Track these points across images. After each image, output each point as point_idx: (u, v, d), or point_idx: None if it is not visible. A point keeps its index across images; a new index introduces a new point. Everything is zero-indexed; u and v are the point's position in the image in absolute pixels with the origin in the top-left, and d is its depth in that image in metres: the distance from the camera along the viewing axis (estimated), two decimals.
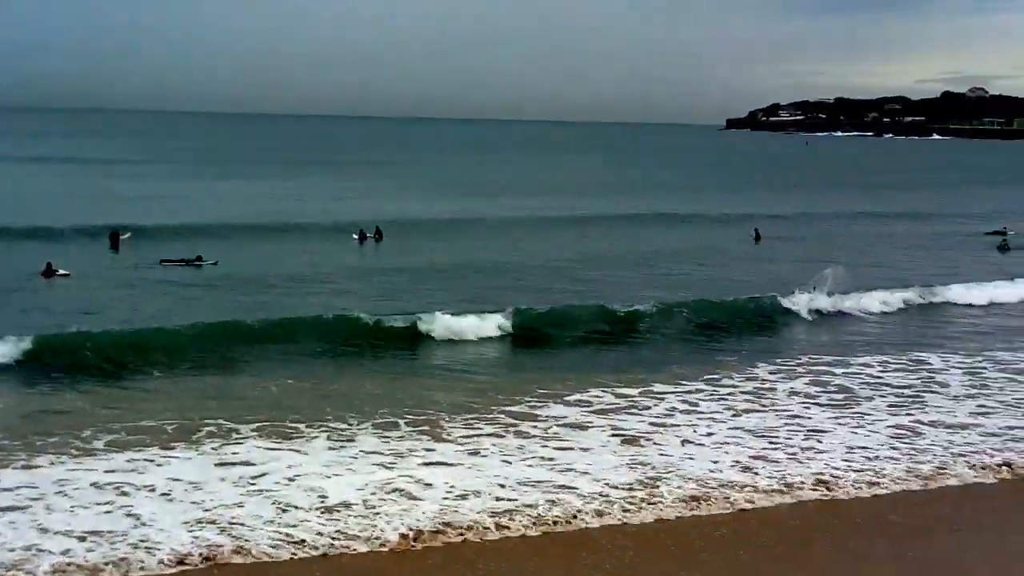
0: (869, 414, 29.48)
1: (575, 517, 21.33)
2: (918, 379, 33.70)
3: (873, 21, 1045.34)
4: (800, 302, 43.65)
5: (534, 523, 20.99)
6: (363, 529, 20.26)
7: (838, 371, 34.50)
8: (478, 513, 21.25)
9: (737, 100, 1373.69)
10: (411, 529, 20.34)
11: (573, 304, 42.21)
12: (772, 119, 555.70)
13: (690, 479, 23.71)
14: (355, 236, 64.57)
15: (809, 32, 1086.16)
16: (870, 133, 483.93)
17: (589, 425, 27.81)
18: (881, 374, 34.26)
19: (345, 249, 60.34)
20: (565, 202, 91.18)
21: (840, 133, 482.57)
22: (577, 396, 30.56)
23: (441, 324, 37.37)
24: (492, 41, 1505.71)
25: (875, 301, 45.49)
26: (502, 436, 26.60)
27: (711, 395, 31.18)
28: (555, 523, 21.02)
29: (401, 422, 27.47)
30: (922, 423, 28.68)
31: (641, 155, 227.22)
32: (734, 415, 29.11)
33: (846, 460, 25.35)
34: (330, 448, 25.25)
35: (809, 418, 28.99)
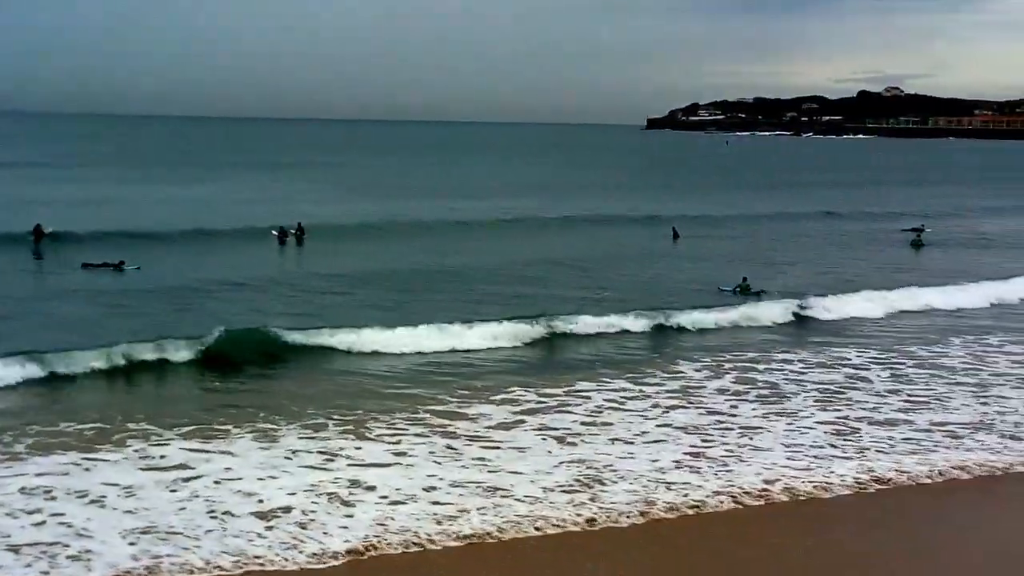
0: (801, 411, 29.78)
1: (518, 523, 21.13)
2: (841, 375, 34.19)
3: (791, 22, 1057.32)
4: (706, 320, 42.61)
5: (476, 532, 20.59)
6: (305, 541, 19.93)
7: (761, 367, 34.94)
8: (419, 520, 20.97)
9: (658, 100, 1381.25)
10: (357, 541, 19.88)
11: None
12: (692, 118, 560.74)
13: (634, 479, 23.74)
14: (274, 233, 64.25)
15: (728, 33, 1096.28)
16: (789, 132, 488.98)
17: (518, 425, 27.81)
18: (804, 371, 34.70)
19: (266, 251, 59.75)
20: (486, 204, 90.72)
21: (765, 132, 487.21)
22: (502, 396, 30.59)
23: (367, 337, 36.22)
24: (414, 41, 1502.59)
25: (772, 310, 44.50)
26: (429, 436, 26.55)
27: (637, 394, 31.27)
28: (500, 530, 20.72)
29: (328, 423, 27.35)
30: (849, 419, 29.07)
31: (563, 155, 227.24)
32: (664, 412, 29.26)
33: (789, 458, 25.54)
34: (260, 449, 25.08)
35: (740, 415, 29.19)
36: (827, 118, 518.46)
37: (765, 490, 23.27)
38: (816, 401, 30.90)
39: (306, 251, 61.39)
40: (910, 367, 35.59)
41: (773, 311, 43.80)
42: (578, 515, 21.54)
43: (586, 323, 39.92)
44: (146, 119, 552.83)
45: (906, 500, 23.28)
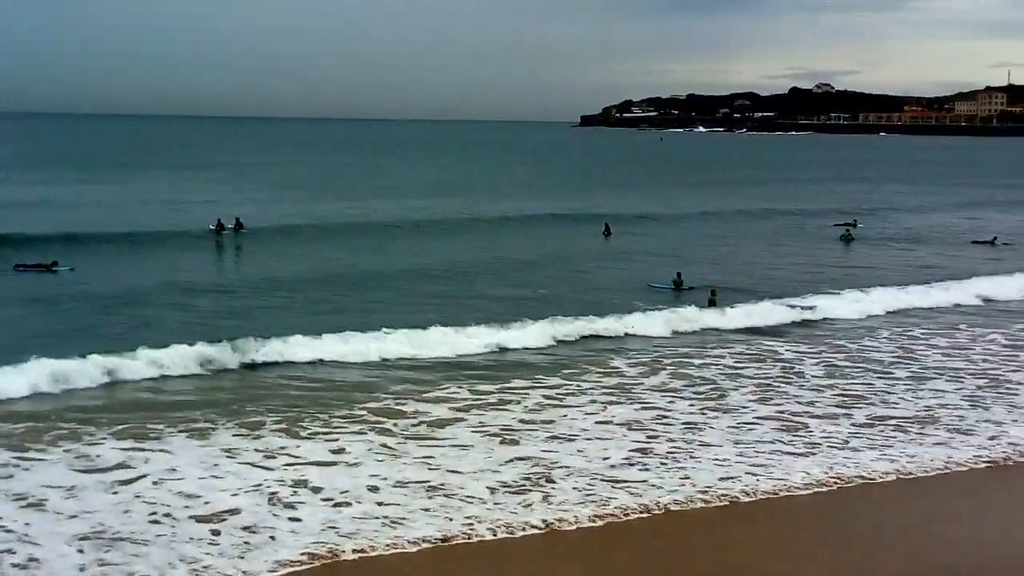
0: (742, 407, 30.03)
1: (471, 525, 20.84)
2: (775, 370, 34.64)
3: (723, 20, 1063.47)
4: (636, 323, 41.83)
5: (428, 536, 20.20)
6: (257, 547, 19.56)
7: (696, 363, 35.30)
8: (367, 523, 20.78)
9: (592, 98, 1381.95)
10: (310, 548, 19.46)
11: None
12: (625, 115, 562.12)
13: (585, 477, 23.73)
14: (211, 228, 65.39)
15: (662, 31, 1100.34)
16: (722, 129, 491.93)
17: (456, 422, 27.88)
18: (738, 365, 35.13)
19: (197, 253, 59.24)
20: (416, 203, 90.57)
21: (701, 128, 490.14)
22: (437, 394, 30.67)
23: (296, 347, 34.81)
24: (346, 40, 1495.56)
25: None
26: (366, 434, 26.57)
27: (574, 390, 31.47)
28: (453, 535, 20.35)
29: (265, 420, 27.37)
30: (790, 414, 29.36)
31: (496, 153, 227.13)
32: (603, 409, 29.47)
33: (741, 454, 25.69)
34: (197, 448, 25.04)
35: (680, 411, 29.36)
36: (760, 114, 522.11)
37: (725, 490, 23.21)
38: (754, 396, 31.20)
39: (239, 252, 61.24)
40: (841, 361, 36.08)
41: (705, 307, 44.22)
42: (534, 517, 21.30)
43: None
44: (91, 118, 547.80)
45: (871, 497, 23.31)
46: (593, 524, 21.16)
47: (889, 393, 31.87)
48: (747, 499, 22.81)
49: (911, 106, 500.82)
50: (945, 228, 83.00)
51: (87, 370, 30.86)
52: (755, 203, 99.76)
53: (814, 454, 25.87)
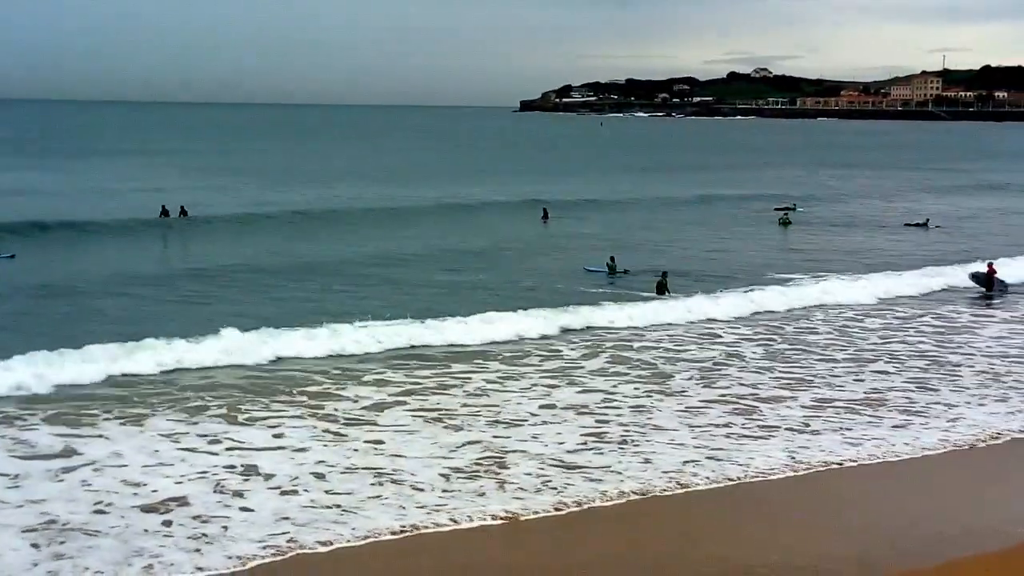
0: (686, 389, 30.22)
1: (428, 515, 20.50)
2: (716, 353, 34.94)
3: (662, 3, 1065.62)
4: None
5: (388, 527, 19.83)
6: (212, 540, 19.12)
7: (635, 346, 35.63)
8: (320, 512, 20.55)
9: (532, 83, 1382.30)
10: (265, 541, 18.99)
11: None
12: (565, 100, 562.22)
13: (540, 463, 23.63)
14: (157, 215, 66.06)
15: (601, 15, 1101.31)
16: (661, 113, 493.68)
17: (398, 406, 27.90)
18: (678, 348, 35.41)
19: (147, 236, 59.13)
20: (357, 191, 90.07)
21: (641, 113, 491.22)
22: (375, 377, 30.70)
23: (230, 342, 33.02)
24: (284, 28, 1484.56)
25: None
26: (306, 419, 26.52)
27: (514, 374, 31.56)
28: (411, 525, 19.96)
29: (201, 406, 27.26)
30: (738, 396, 29.63)
31: (435, 139, 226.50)
32: (545, 393, 29.58)
33: (696, 438, 25.67)
34: (139, 432, 24.93)
35: (626, 394, 29.50)
36: (698, 99, 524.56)
37: (689, 474, 23.10)
38: (698, 379, 31.44)
39: (184, 240, 60.51)
40: (780, 344, 36.48)
41: (641, 291, 44.73)
42: (493, 506, 21.02)
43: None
44: (28, 103, 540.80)
45: (842, 481, 23.39)
46: (557, 512, 20.91)
47: (833, 376, 32.15)
48: (716, 485, 22.67)
49: (848, 91, 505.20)
50: (880, 211, 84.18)
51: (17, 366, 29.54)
52: (694, 188, 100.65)
53: (774, 436, 26.01)
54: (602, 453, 24.44)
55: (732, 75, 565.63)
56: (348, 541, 19.29)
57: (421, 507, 20.87)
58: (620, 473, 23.05)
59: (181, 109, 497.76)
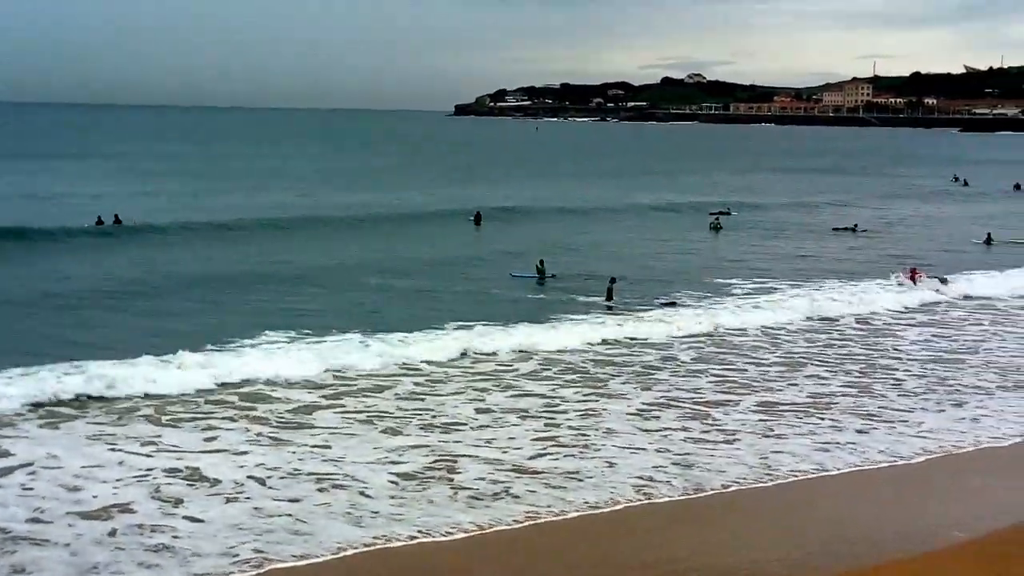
0: (625, 393, 30.45)
1: (387, 525, 20.16)
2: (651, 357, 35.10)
3: (598, 8, 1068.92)
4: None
5: (347, 542, 19.38)
6: (164, 554, 18.73)
7: (569, 347, 35.77)
8: (273, 519, 20.25)
9: (465, 86, 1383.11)
10: (220, 557, 18.55)
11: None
12: (499, 104, 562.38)
13: (496, 469, 23.56)
14: (89, 223, 64.11)
15: (535, 19, 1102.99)
16: (595, 118, 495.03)
17: (332, 408, 27.94)
18: (608, 352, 35.60)
19: (80, 245, 57.10)
20: (292, 199, 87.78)
21: (576, 119, 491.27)
22: (304, 378, 30.58)
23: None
24: (217, 29, 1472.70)
25: None
26: (237, 421, 26.45)
27: (443, 376, 31.67)
28: (374, 538, 19.57)
29: (130, 407, 27.02)
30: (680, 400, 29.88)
31: (369, 143, 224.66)
32: (479, 395, 29.74)
33: (655, 442, 25.73)
34: (65, 435, 24.73)
35: (566, 397, 29.69)
36: (632, 104, 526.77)
37: (657, 482, 22.98)
38: (636, 382, 31.71)
39: (118, 250, 56.89)
40: (711, 348, 36.83)
41: (574, 294, 45.20)
42: (454, 515, 20.79)
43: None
44: None
45: (819, 489, 23.37)
46: (523, 524, 20.66)
47: (769, 381, 32.43)
48: (705, 494, 22.57)
49: (781, 97, 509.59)
50: (809, 216, 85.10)
51: None
52: (629, 193, 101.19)
53: (738, 440, 26.20)
54: (557, 458, 24.36)
55: (666, 80, 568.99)
56: (320, 556, 18.87)
57: (376, 514, 20.69)
58: (580, 479, 22.97)
59: (85, 111, 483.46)
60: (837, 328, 40.87)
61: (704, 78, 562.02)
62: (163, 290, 44.87)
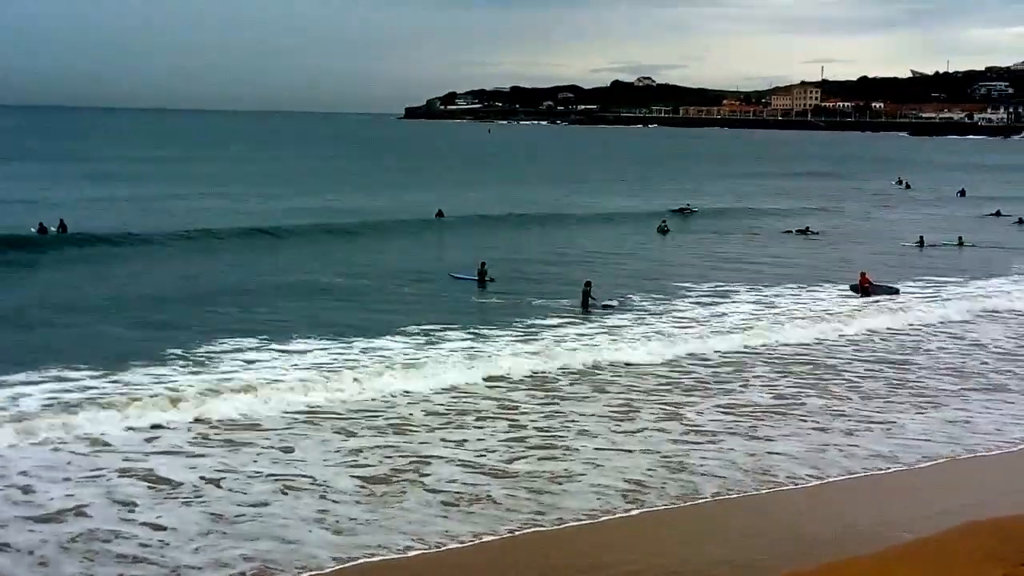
0: (578, 395, 30.73)
1: (369, 533, 20.09)
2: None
3: (547, 12, 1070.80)
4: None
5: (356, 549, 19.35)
6: (152, 562, 18.68)
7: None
8: (251, 522, 20.36)
9: (416, 90, 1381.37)
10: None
11: None
12: (450, 107, 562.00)
13: (474, 470, 23.75)
14: (33, 229, 61.37)
15: (486, 23, 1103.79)
16: (545, 121, 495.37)
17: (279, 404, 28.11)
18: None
19: (22, 254, 54.55)
20: (244, 206, 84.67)
21: (525, 122, 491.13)
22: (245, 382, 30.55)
23: None
24: (162, 29, 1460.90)
25: None
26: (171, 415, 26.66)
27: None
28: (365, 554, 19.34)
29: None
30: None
31: (324, 147, 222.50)
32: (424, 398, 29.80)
33: (640, 446, 26.02)
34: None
35: (519, 400, 29.91)
36: (583, 107, 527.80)
37: (648, 488, 23.27)
38: (583, 384, 32.02)
39: (61, 259, 54.55)
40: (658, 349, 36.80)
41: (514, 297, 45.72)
42: (452, 525, 20.82)
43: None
44: None
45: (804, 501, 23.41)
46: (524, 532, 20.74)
47: (724, 381, 32.96)
48: (696, 503, 22.80)
49: (730, 100, 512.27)
50: (760, 219, 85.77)
51: None
52: (580, 196, 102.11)
53: (722, 441, 26.60)
54: (527, 459, 24.67)
55: (616, 84, 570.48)
56: (318, 569, 18.75)
57: (354, 521, 20.72)
58: (559, 482, 23.23)
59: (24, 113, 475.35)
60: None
61: (654, 82, 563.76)
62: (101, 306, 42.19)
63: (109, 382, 29.64)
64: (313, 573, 18.54)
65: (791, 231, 75.48)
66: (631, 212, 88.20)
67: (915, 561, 19.43)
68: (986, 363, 36.62)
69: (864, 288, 49.32)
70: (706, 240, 71.35)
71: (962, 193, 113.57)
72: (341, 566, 18.82)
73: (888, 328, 42.10)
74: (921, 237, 70.79)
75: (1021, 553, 19.36)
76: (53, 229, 62.47)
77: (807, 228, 75.88)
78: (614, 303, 44.57)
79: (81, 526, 19.95)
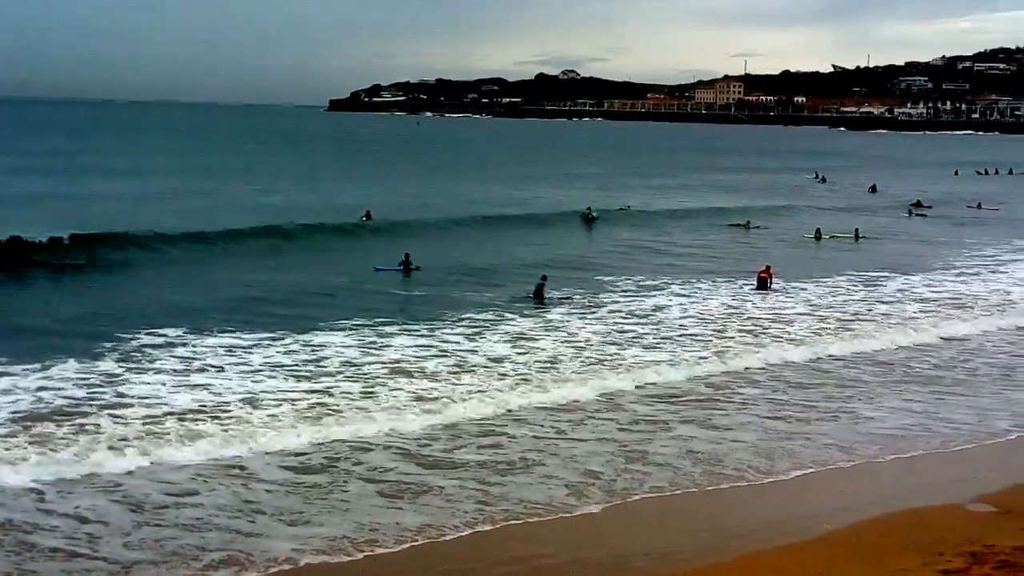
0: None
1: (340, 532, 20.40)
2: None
3: (472, 4, 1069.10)
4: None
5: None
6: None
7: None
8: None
9: (339, 82, 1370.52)
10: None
11: None
12: (375, 99, 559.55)
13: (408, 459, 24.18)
14: None
15: (409, 15, 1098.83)
16: (470, 114, 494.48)
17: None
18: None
19: None
20: (167, 205, 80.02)
21: (455, 115, 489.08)
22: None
23: None
24: (83, 16, 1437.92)
25: None
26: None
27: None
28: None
29: None
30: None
31: (248, 139, 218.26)
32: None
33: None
34: None
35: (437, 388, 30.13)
36: (507, 100, 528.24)
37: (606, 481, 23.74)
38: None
39: None
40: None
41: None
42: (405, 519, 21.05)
43: None
44: None
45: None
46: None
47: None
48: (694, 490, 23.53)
49: (654, 94, 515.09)
50: (696, 212, 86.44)
51: None
52: (509, 188, 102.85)
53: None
54: (464, 448, 25.32)
55: (541, 77, 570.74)
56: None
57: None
58: (512, 477, 23.69)
59: None
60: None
61: (578, 75, 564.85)
62: None
63: None
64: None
65: (735, 224, 76.93)
66: (559, 205, 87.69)
67: (838, 551, 19.95)
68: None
69: (764, 281, 49.54)
70: (630, 230, 72.60)
71: (873, 189, 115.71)
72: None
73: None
74: (817, 229, 72.28)
75: (938, 543, 19.91)
76: None
77: (748, 222, 77.10)
78: (569, 296, 45.13)
79: None
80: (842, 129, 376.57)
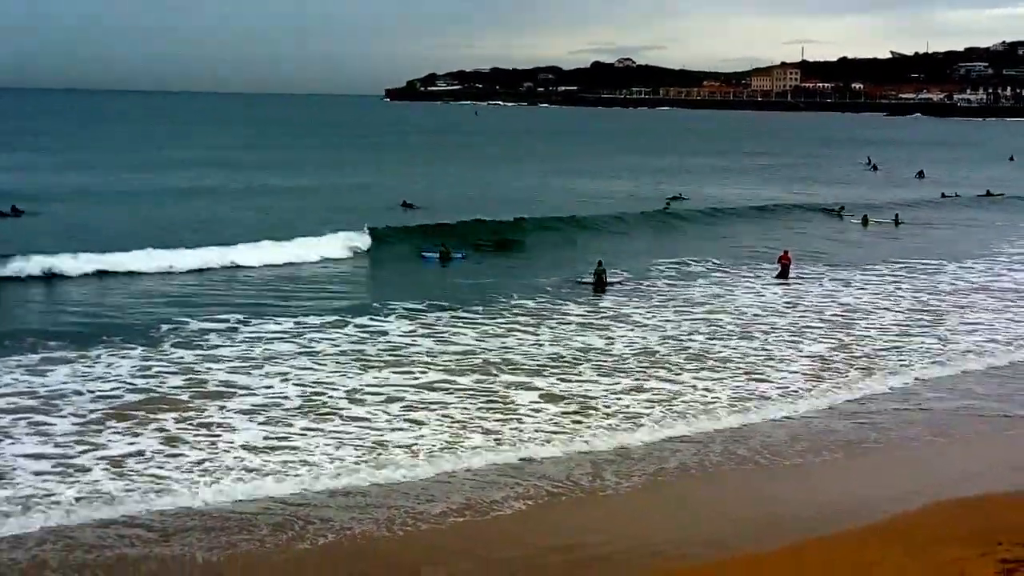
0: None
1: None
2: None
3: None
4: None
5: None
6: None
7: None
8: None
9: (395, 71, 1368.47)
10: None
11: None
12: (430, 88, 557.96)
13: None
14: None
15: (467, 3, 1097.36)
16: (526, 103, 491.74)
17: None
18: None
19: None
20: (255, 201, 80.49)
21: (510, 104, 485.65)
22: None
23: None
24: (140, 12, 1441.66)
25: None
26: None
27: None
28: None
29: None
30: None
31: (312, 129, 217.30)
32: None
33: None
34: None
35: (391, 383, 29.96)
36: (563, 88, 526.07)
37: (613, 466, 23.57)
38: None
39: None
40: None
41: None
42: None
43: None
44: None
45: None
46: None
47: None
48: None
49: (710, 82, 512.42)
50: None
51: None
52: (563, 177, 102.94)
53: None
54: (425, 436, 25.23)
55: (596, 65, 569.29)
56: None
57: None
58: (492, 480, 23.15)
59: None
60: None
61: (634, 63, 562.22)
62: None
63: None
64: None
65: (828, 210, 78.56)
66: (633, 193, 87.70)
67: (891, 539, 19.64)
68: None
69: (785, 268, 48.93)
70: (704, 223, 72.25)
71: (920, 175, 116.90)
72: None
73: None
74: (865, 216, 73.90)
75: (997, 533, 19.38)
76: (7, 211, 61.38)
77: (842, 208, 78.52)
78: (619, 280, 45.75)
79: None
80: (913, 115, 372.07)
